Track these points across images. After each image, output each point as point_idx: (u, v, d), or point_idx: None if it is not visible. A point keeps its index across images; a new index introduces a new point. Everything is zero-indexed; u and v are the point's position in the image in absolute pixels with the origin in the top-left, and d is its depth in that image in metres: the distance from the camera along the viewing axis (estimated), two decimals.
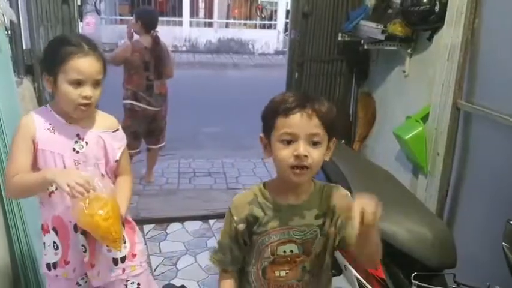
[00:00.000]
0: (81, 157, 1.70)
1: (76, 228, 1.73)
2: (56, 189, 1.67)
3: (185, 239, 3.40)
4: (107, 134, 1.77)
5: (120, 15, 13.83)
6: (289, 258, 1.40)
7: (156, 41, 3.97)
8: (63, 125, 1.70)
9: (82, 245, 1.75)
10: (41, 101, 2.96)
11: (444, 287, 1.73)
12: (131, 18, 4.27)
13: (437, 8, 2.58)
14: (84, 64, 1.61)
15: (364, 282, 1.88)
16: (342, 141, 2.82)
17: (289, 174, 1.31)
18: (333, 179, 2.15)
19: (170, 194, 4.19)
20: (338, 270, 2.10)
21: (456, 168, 2.57)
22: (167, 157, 4.83)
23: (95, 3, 9.87)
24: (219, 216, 3.74)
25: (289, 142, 1.28)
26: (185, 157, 5.06)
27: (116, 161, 1.80)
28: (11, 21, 2.49)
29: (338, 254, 2.03)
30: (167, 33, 10.92)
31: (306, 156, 1.27)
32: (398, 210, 1.91)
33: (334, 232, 1.38)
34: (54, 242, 1.77)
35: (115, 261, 1.81)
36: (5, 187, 1.76)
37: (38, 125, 1.68)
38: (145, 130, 4.15)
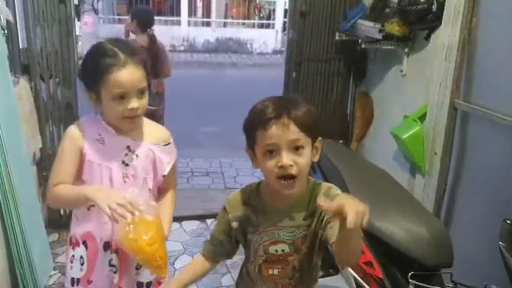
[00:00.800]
0: (130, 170, 1.62)
1: (105, 247, 1.64)
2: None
3: (183, 239, 3.39)
4: (157, 147, 1.67)
5: (118, 14, 13.78)
6: (281, 257, 1.41)
7: (152, 39, 3.97)
8: (113, 136, 1.60)
9: (113, 265, 1.65)
10: (37, 101, 2.96)
11: (441, 286, 1.73)
12: (128, 17, 4.27)
13: (434, 7, 2.58)
14: (124, 76, 1.49)
15: (361, 281, 1.88)
16: (340, 141, 2.83)
17: (278, 187, 1.31)
18: (331, 179, 2.15)
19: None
20: (335, 269, 2.10)
21: (453, 167, 2.57)
22: None
23: (92, 2, 9.91)
24: (217, 216, 3.73)
25: (272, 152, 1.28)
26: (183, 157, 5.05)
27: (164, 175, 1.69)
28: (8, 21, 2.49)
29: None
30: (165, 32, 10.91)
31: (291, 165, 1.26)
32: (395, 209, 1.91)
33: (320, 231, 1.36)
34: (81, 257, 1.67)
35: (140, 285, 1.72)
36: (46, 195, 1.67)
37: (88, 135, 1.59)
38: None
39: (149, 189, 1.67)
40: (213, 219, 3.68)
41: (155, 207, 1.55)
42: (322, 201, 1.11)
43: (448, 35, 2.48)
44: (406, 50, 2.95)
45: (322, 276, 2.24)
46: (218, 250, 1.49)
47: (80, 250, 1.66)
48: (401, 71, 3.03)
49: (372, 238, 1.86)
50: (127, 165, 1.61)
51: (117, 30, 10.86)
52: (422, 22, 2.69)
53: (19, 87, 2.73)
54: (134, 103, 1.52)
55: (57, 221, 3.17)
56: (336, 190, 1.40)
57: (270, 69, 11.44)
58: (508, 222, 1.53)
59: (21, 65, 2.88)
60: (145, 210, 1.46)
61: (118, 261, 1.65)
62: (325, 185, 1.43)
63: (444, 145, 2.55)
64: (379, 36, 2.92)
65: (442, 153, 2.56)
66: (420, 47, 2.86)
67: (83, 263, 1.67)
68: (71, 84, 3.05)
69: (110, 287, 1.67)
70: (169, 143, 1.71)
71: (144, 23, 3.98)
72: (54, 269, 2.84)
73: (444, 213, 2.62)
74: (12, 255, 2.30)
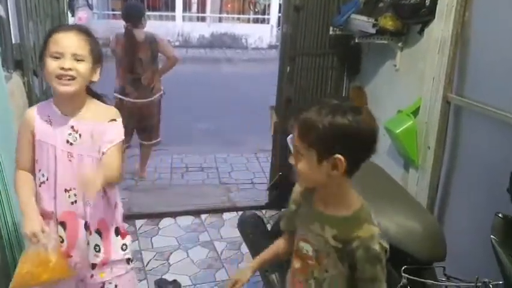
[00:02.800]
0: (74, 149, 1.73)
1: (56, 219, 1.81)
2: (47, 180, 1.76)
3: (177, 234, 3.40)
4: (101, 125, 1.75)
5: (113, 9, 13.71)
6: (304, 256, 1.44)
7: (128, 33, 3.91)
8: (59, 116, 1.74)
9: (60, 236, 1.81)
10: (31, 96, 2.94)
11: (434, 280, 1.74)
12: None
13: (427, 2, 2.58)
14: (63, 38, 1.67)
15: None
16: None
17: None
18: None
19: (163, 189, 4.18)
20: None
21: (447, 161, 2.58)
22: (160, 152, 4.81)
23: None
24: (211, 211, 3.74)
25: None
26: (178, 152, 5.05)
27: (103, 153, 1.73)
28: (0, 16, 2.47)
29: None
30: (160, 27, 10.86)
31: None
32: (389, 204, 1.92)
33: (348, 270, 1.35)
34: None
35: (93, 266, 1.88)
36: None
37: (38, 116, 1.75)
38: (136, 125, 4.11)
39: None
40: (207, 214, 3.69)
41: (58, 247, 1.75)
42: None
43: (441, 29, 2.49)
44: (400, 44, 2.95)
45: None
46: (283, 222, 1.59)
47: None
48: (395, 65, 3.03)
49: None
50: (71, 144, 1.73)
51: (112, 25, 10.82)
52: (416, 16, 2.69)
53: (12, 82, 2.71)
54: (67, 63, 1.64)
55: None
56: (373, 250, 1.32)
57: (266, 64, 11.42)
58: (500, 215, 1.54)
59: (14, 61, 2.86)
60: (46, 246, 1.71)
61: (65, 233, 1.82)
62: (368, 230, 1.34)
63: (437, 139, 2.56)
64: (373, 30, 2.91)
65: (435, 147, 2.57)
66: (413, 42, 2.86)
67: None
68: None
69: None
70: (113, 119, 1.78)
71: (124, 17, 3.98)
72: None
73: (438, 207, 2.63)
74: (5, 251, 2.30)
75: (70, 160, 1.73)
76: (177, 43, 13.21)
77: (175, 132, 5.37)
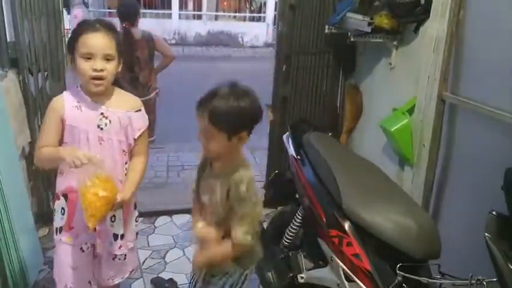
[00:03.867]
0: (105, 134, 1.87)
1: None
2: None
3: (173, 233, 3.40)
4: (129, 114, 1.92)
5: (108, 8, 13.67)
6: (204, 205, 1.77)
7: (126, 33, 3.88)
8: (89, 103, 1.86)
9: None
10: (26, 94, 2.94)
11: (429, 277, 1.75)
12: None
13: (422, 0, 2.58)
14: (93, 38, 1.76)
15: (350, 273, 1.90)
16: (329, 133, 2.83)
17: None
18: (320, 172, 2.16)
19: (159, 187, 4.18)
20: (324, 261, 2.11)
21: (441, 160, 2.59)
22: (156, 150, 4.81)
23: None
24: None
25: None
26: (174, 150, 5.04)
27: (135, 140, 1.95)
28: None
29: (324, 246, 2.05)
30: (156, 26, 10.86)
31: None
32: (384, 201, 1.93)
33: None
34: (62, 208, 1.94)
35: (115, 237, 2.02)
36: (34, 156, 1.95)
37: (67, 103, 1.85)
38: None
39: (123, 151, 1.94)
40: None
41: (111, 177, 1.81)
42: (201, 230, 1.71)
43: (436, 27, 2.49)
44: (395, 43, 2.96)
45: (311, 268, 2.27)
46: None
47: (61, 202, 1.94)
48: (390, 63, 3.04)
49: (361, 230, 1.88)
50: (101, 129, 1.87)
51: None
52: (411, 15, 2.69)
53: (7, 80, 2.71)
54: (98, 64, 1.76)
55: (47, 215, 3.15)
56: (240, 190, 1.62)
57: (262, 62, 11.38)
58: (494, 213, 1.54)
59: (9, 59, 2.85)
60: (100, 169, 1.75)
61: None
62: (240, 174, 1.63)
63: (432, 137, 2.57)
64: (368, 29, 2.92)
65: (430, 145, 2.58)
66: (409, 40, 2.87)
67: (63, 212, 1.94)
68: (60, 78, 3.03)
69: (89, 233, 1.93)
70: (139, 110, 1.98)
71: (120, 16, 3.96)
72: (44, 263, 2.83)
73: (433, 205, 2.64)
74: (1, 250, 2.29)
75: (100, 143, 1.87)
76: (173, 41, 13.20)
77: (171, 130, 5.37)
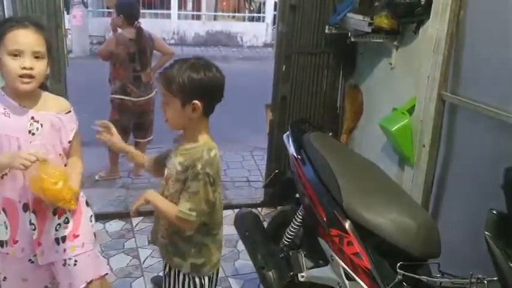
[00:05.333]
0: (37, 139, 1.76)
1: (25, 207, 1.80)
2: (9, 171, 1.75)
3: None
4: (60, 116, 1.83)
5: (107, 8, 13.67)
6: (165, 179, 1.83)
7: (139, 32, 3.95)
8: (17, 108, 1.74)
9: (32, 223, 1.82)
10: None
11: (428, 276, 1.75)
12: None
13: (422, 1, 2.59)
14: (22, 35, 1.67)
15: (350, 272, 1.90)
16: (330, 133, 2.84)
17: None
18: (320, 171, 2.16)
19: (157, 187, 4.17)
20: (324, 260, 2.12)
21: (441, 159, 2.60)
22: (155, 150, 4.80)
23: None
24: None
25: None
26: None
27: (69, 142, 1.86)
28: None
29: (324, 245, 2.06)
30: (155, 25, 10.85)
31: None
32: (384, 201, 1.94)
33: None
34: (4, 222, 1.83)
35: (57, 241, 1.90)
36: None
37: None
38: (134, 124, 4.15)
39: (60, 155, 1.85)
40: None
41: (59, 163, 1.77)
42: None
43: (436, 27, 2.50)
44: (395, 43, 2.97)
45: (312, 267, 2.27)
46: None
47: (1, 216, 1.82)
48: (390, 63, 3.05)
49: (361, 229, 1.89)
50: (33, 134, 1.76)
51: (106, 23, 10.78)
52: (411, 15, 2.70)
53: None
54: (27, 62, 1.67)
55: None
56: (196, 168, 1.67)
57: (261, 62, 11.43)
58: (494, 212, 1.55)
59: None
60: (49, 160, 1.69)
61: (36, 219, 1.83)
62: (199, 154, 1.68)
63: (432, 137, 2.58)
64: (368, 29, 2.93)
65: (430, 145, 2.59)
66: (409, 40, 2.88)
67: (6, 227, 1.83)
68: (61, 78, 3.04)
69: (32, 244, 1.85)
70: (69, 111, 1.88)
71: (130, 17, 3.98)
72: None
73: (433, 204, 2.65)
74: None
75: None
76: (172, 41, 13.19)
77: (168, 130, 5.36)
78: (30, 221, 1.82)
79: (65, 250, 1.91)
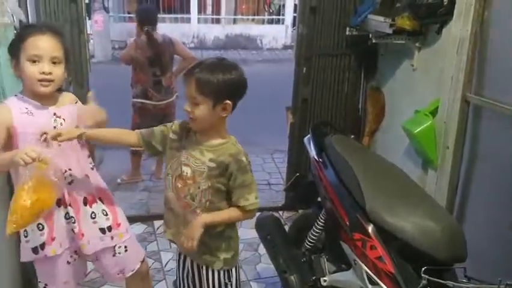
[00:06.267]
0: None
1: (58, 203, 1.85)
2: None
3: None
4: (74, 107, 1.92)
5: (128, 12, 13.83)
6: (184, 177, 1.81)
7: (149, 36, 3.95)
8: (38, 107, 1.81)
9: (71, 216, 1.89)
10: None
11: (454, 281, 1.72)
12: None
13: (445, 1, 2.56)
14: (40, 41, 1.73)
15: (373, 276, 1.88)
16: (352, 135, 2.82)
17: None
18: (342, 174, 2.15)
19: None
20: (347, 264, 2.10)
21: (466, 162, 2.55)
22: None
23: (103, 0, 9.95)
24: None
25: None
26: None
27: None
28: (20, 21, 2.51)
29: (347, 249, 2.04)
30: (175, 30, 10.94)
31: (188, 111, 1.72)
32: (407, 204, 1.91)
33: (224, 183, 1.80)
34: (39, 224, 1.85)
35: (103, 231, 1.99)
36: None
37: (15, 110, 1.77)
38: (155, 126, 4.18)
39: (82, 145, 1.94)
40: None
41: (52, 183, 1.70)
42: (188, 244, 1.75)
43: (459, 28, 2.46)
44: (417, 44, 2.93)
45: (334, 272, 2.25)
46: (150, 140, 1.88)
47: None
48: (412, 65, 3.01)
49: (384, 233, 1.86)
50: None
51: (128, 28, 10.93)
52: (433, 16, 2.67)
53: None
54: (46, 67, 1.73)
55: None
56: (241, 161, 1.78)
57: (280, 64, 11.43)
58: None
59: None
60: (52, 162, 1.66)
61: (74, 212, 1.90)
62: (236, 148, 1.79)
63: (456, 139, 2.53)
64: (390, 31, 2.90)
65: (454, 147, 2.55)
66: (431, 41, 2.84)
67: (42, 228, 1.86)
68: (84, 83, 3.08)
69: (72, 237, 1.93)
70: (77, 101, 1.98)
71: (141, 21, 4.00)
72: None
73: (457, 207, 2.60)
74: None
75: (59, 145, 1.80)
76: (192, 45, 13.28)
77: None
78: (66, 214, 1.89)
79: (112, 238, 2.02)
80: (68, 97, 1.96)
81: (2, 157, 1.74)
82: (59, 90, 1.92)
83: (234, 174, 1.76)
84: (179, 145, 1.83)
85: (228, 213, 1.82)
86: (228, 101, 1.70)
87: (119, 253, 2.05)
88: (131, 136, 1.92)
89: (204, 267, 1.91)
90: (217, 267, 1.88)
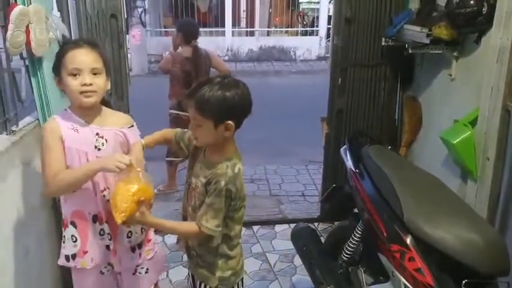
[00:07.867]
0: (103, 154, 1.84)
1: (94, 219, 1.89)
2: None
3: None
4: (123, 130, 1.91)
5: (165, 27, 14.11)
6: (191, 188, 1.85)
7: (195, 50, 4.07)
8: (83, 125, 1.84)
9: (108, 233, 1.92)
10: None
11: None
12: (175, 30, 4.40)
13: (484, 10, 2.51)
14: (78, 55, 1.76)
15: None
16: (389, 146, 2.79)
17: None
18: (380, 184, 2.13)
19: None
20: (385, 276, 2.08)
21: (507, 173, 2.49)
22: None
23: (140, 15, 10.18)
24: (263, 223, 3.76)
25: None
26: None
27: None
28: (63, 36, 2.61)
29: (384, 260, 2.01)
30: (210, 43, 11.08)
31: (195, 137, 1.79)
32: (447, 215, 1.88)
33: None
34: (72, 236, 1.90)
35: (133, 249, 2.00)
36: (45, 188, 1.85)
37: (63, 125, 1.81)
38: None
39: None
40: (259, 226, 3.72)
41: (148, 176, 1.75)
42: None
43: (499, 37, 2.42)
44: (455, 53, 2.89)
45: (372, 284, 2.23)
46: (180, 140, 2.01)
47: (70, 230, 1.91)
48: (450, 75, 2.97)
49: (423, 245, 1.83)
50: (99, 149, 1.85)
51: (164, 42, 11.14)
52: (472, 25, 2.62)
53: None
54: (87, 79, 1.75)
55: None
56: (218, 184, 1.71)
57: (314, 75, 11.42)
58: None
59: None
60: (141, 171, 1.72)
61: (110, 229, 1.91)
62: (223, 169, 1.72)
63: (497, 150, 2.47)
64: (426, 40, 2.87)
65: (495, 158, 2.49)
66: (469, 51, 2.79)
67: (75, 240, 1.90)
68: (123, 96, 3.16)
69: (105, 253, 1.94)
70: (132, 126, 1.96)
71: (188, 35, 4.10)
72: None
73: (499, 219, 2.53)
74: None
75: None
76: (226, 57, 13.42)
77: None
78: (101, 231, 1.91)
79: (140, 255, 2.03)
80: (123, 119, 1.96)
81: (78, 172, 1.78)
82: (109, 105, 1.97)
83: (209, 192, 1.73)
84: (198, 155, 1.87)
85: (187, 226, 1.81)
86: (229, 122, 1.68)
87: (139, 273, 2.07)
88: (171, 132, 2.07)
89: (203, 285, 1.89)
90: (211, 285, 1.86)
